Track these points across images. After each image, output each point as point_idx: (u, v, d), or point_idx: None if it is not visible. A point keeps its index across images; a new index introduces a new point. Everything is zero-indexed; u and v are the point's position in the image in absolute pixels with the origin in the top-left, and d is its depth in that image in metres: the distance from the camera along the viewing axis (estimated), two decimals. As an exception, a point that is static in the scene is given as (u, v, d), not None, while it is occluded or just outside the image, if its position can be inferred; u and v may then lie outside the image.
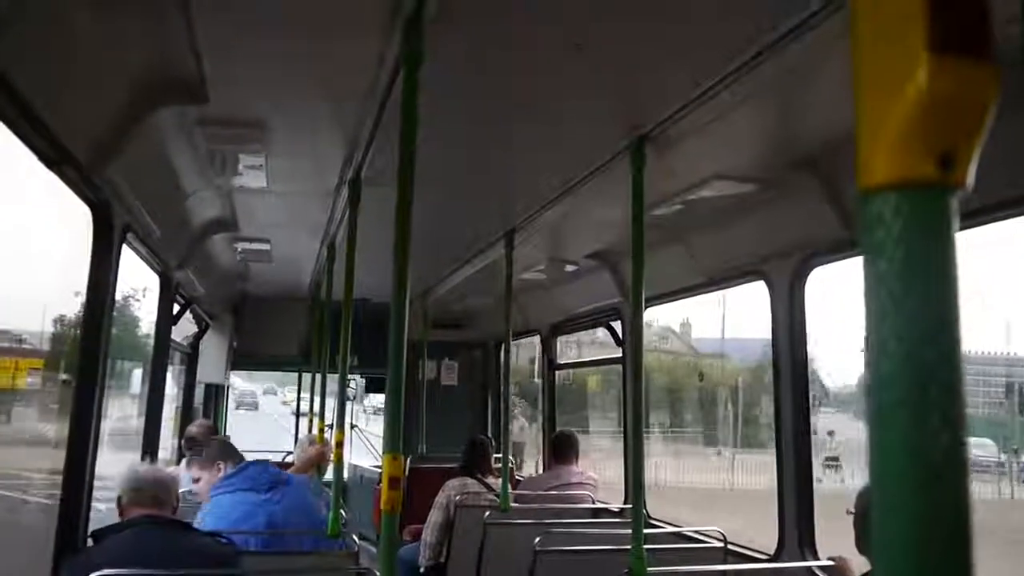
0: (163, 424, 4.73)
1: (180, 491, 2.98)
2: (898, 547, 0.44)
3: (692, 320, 35.01)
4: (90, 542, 2.71)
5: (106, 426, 3.06)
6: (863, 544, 2.26)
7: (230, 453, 3.68)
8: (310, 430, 6.70)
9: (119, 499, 2.68)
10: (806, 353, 3.41)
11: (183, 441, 5.10)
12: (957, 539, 0.44)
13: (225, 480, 3.38)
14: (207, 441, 5.01)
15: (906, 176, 0.46)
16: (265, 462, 3.61)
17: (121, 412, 7.31)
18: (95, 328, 2.88)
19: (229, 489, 3.32)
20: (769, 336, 3.51)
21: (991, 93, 0.45)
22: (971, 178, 0.46)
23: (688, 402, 30.76)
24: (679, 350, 33.49)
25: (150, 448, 4.21)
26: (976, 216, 2.36)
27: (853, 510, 2.33)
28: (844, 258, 3.21)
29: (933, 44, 0.44)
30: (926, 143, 0.45)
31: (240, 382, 38.98)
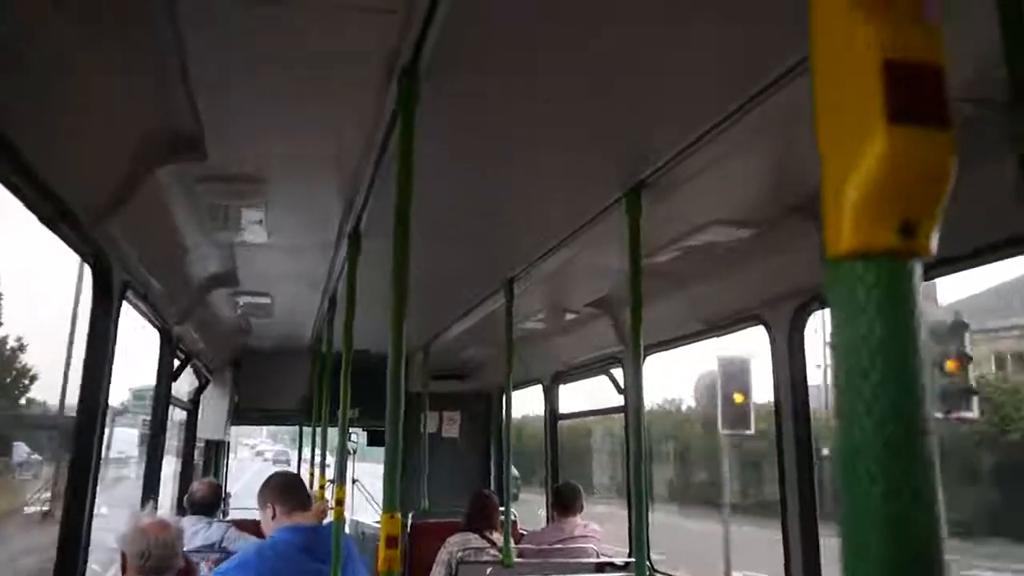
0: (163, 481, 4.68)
1: (185, 549, 2.92)
2: None
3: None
4: None
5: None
6: None
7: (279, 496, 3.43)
8: (311, 485, 6.61)
9: (122, 555, 2.64)
10: (807, 393, 3.40)
11: (186, 499, 5.03)
12: None
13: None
14: (210, 500, 4.95)
15: (869, 244, 0.46)
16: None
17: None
18: (95, 383, 2.87)
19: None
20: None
21: (949, 161, 0.46)
22: (934, 245, 0.47)
23: None
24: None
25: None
26: (947, 265, 2.41)
27: None
28: None
29: (890, 115, 0.45)
30: (887, 212, 0.46)
31: (277, 446, 47.52)
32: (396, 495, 1.87)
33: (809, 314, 3.34)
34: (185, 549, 3.11)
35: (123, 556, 2.67)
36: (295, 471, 7.67)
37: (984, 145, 1.63)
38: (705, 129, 2.30)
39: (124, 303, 3.12)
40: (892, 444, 0.44)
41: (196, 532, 4.66)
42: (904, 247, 0.46)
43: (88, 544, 2.81)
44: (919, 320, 0.46)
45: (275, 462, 38.57)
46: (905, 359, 0.45)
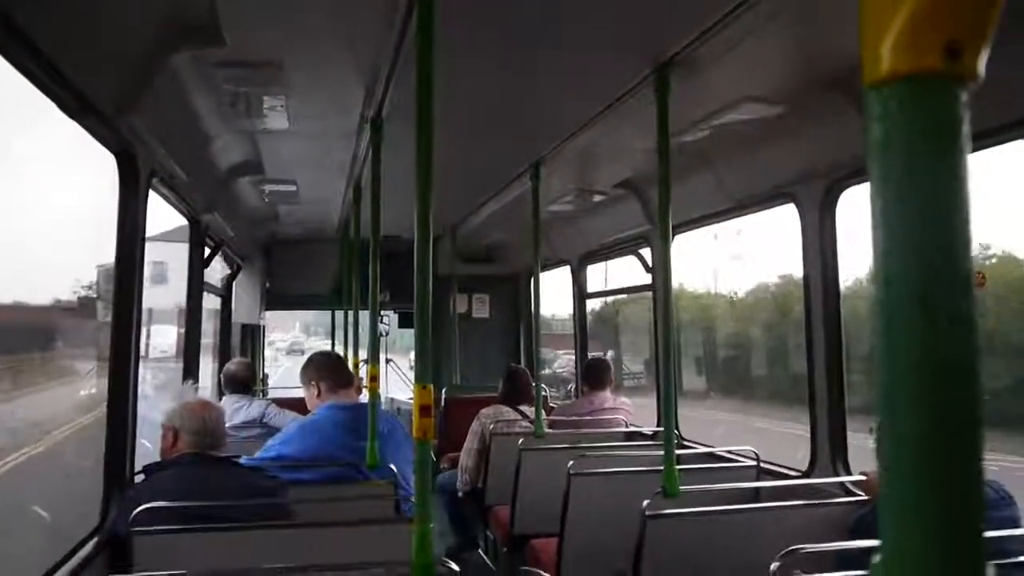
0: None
1: (228, 425, 3.07)
2: (907, 450, 0.44)
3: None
4: (139, 477, 2.83)
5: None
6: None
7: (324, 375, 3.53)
8: None
9: (172, 429, 2.78)
10: (837, 272, 3.38)
11: (223, 378, 5.23)
12: (966, 441, 0.43)
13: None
14: (246, 377, 5.15)
15: (912, 68, 0.43)
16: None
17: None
18: (129, 271, 2.94)
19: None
20: None
21: None
22: (982, 69, 0.44)
23: None
24: None
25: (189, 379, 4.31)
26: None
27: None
28: None
29: None
30: (931, 32, 0.43)
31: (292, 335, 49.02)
32: (428, 368, 1.94)
33: (840, 191, 3.28)
34: (228, 425, 3.26)
35: (171, 431, 2.80)
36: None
37: None
38: (735, 3, 2.20)
39: (152, 192, 3.15)
40: (930, 270, 0.43)
41: (238, 409, 4.85)
42: (949, 70, 0.43)
43: (135, 424, 2.96)
44: (966, 148, 0.43)
45: (288, 352, 38.21)
46: (950, 184, 0.43)
